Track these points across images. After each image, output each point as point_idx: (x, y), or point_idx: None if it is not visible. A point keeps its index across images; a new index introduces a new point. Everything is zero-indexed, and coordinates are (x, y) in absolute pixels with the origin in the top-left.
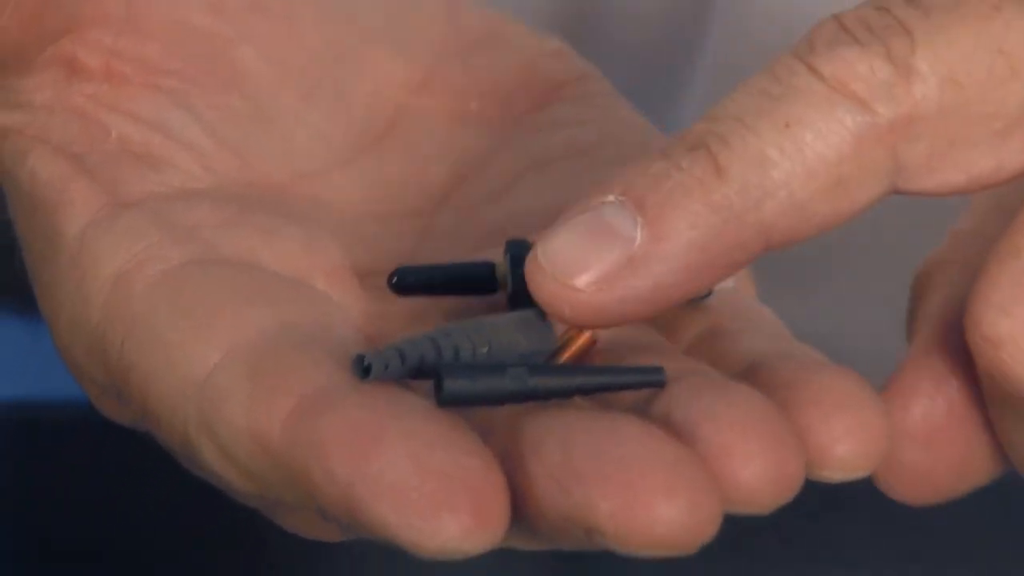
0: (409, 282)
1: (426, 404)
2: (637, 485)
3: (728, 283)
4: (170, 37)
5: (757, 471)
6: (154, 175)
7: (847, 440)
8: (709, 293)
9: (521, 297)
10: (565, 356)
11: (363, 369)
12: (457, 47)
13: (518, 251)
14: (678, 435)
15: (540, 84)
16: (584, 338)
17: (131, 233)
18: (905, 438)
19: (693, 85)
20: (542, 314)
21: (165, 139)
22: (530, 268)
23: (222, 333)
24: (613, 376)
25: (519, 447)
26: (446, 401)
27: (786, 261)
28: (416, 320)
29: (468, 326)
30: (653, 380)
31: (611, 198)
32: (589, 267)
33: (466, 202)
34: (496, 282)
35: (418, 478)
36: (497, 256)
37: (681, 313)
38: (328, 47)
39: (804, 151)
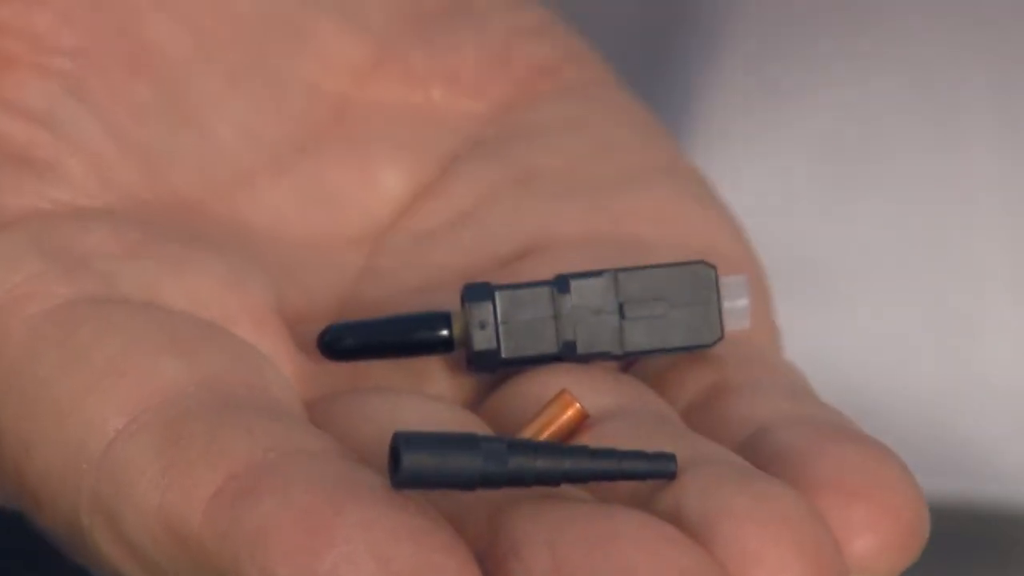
0: (344, 344)
1: (387, 484)
2: None
3: (742, 321)
4: (65, 3)
5: None
6: (38, 186)
7: (870, 533)
8: (719, 338)
9: (484, 357)
10: (548, 433)
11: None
12: (416, 20)
13: (477, 299)
14: (691, 535)
15: (519, 68)
16: (573, 410)
17: (8, 261)
18: None
19: (687, 57)
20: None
21: (54, 139)
22: None
23: (126, 391)
24: (612, 461)
25: (500, 545)
26: (404, 481)
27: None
28: (359, 378)
29: None
30: (661, 470)
31: None
32: None
33: (424, 223)
34: (452, 339)
35: None
36: (455, 298)
37: (682, 363)
38: (261, 17)
39: None
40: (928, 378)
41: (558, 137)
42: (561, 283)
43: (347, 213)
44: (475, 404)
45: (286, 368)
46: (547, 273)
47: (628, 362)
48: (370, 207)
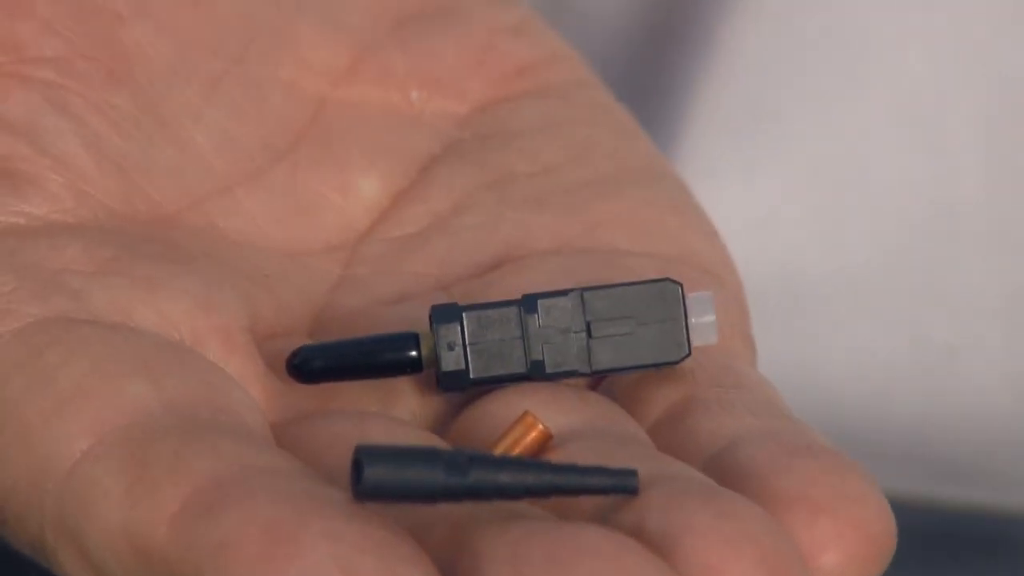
0: (313, 367)
1: (349, 498)
2: None
3: (709, 337)
4: (49, 12)
5: None
6: (13, 200)
7: (836, 547)
8: (686, 355)
9: (453, 378)
10: (512, 454)
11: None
12: (396, 21)
13: (445, 320)
14: (654, 550)
15: (498, 68)
16: (536, 431)
17: None
18: None
19: (676, 80)
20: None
21: (33, 152)
22: None
23: (92, 412)
24: (573, 476)
25: (463, 560)
26: (365, 493)
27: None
28: (328, 398)
29: None
30: (623, 485)
31: None
32: None
33: (400, 229)
34: (421, 360)
35: None
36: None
37: (651, 380)
38: (241, 21)
39: None
40: (911, 401)
41: (536, 140)
42: (528, 303)
43: (324, 220)
44: (445, 424)
45: (254, 389)
46: (520, 286)
47: (596, 380)
48: (347, 213)
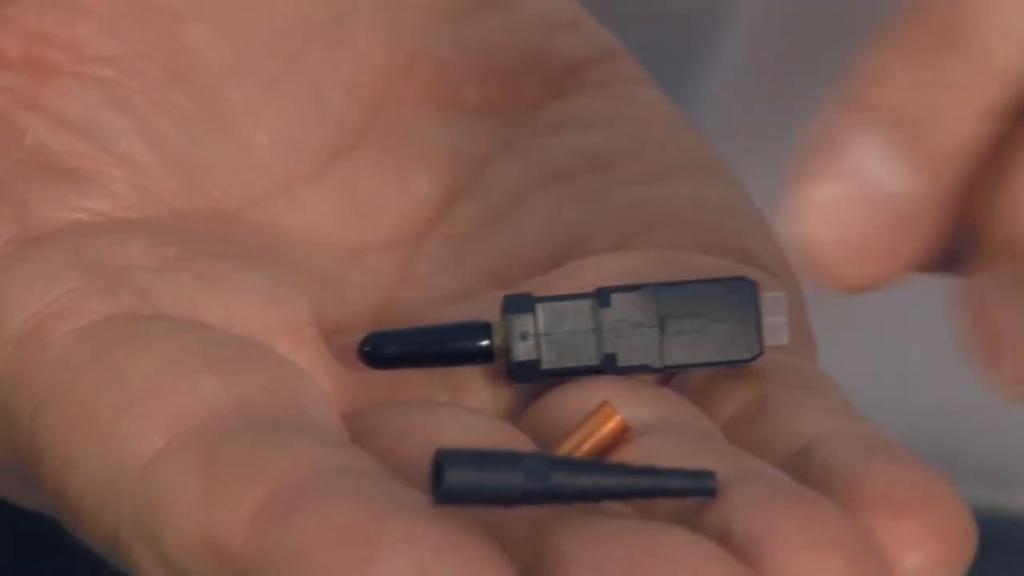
0: (384, 352)
1: (428, 500)
2: None
3: (781, 338)
4: (107, 12)
5: None
6: (77, 197)
7: (920, 549)
8: (758, 353)
9: (526, 368)
10: (589, 444)
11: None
12: (448, 14)
13: (519, 310)
14: (738, 554)
15: (553, 66)
16: (614, 422)
17: (45, 276)
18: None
19: (721, 52)
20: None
21: (94, 149)
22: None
23: (164, 410)
24: (651, 479)
25: (545, 561)
26: (446, 497)
27: None
28: (398, 389)
29: None
30: (701, 487)
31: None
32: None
33: (458, 227)
34: (492, 349)
35: None
36: (496, 307)
37: (722, 378)
38: (299, 21)
39: None
40: (930, 398)
41: (591, 137)
42: (602, 296)
43: (383, 218)
44: (513, 415)
45: (324, 382)
46: (583, 283)
47: (666, 377)
48: (405, 212)
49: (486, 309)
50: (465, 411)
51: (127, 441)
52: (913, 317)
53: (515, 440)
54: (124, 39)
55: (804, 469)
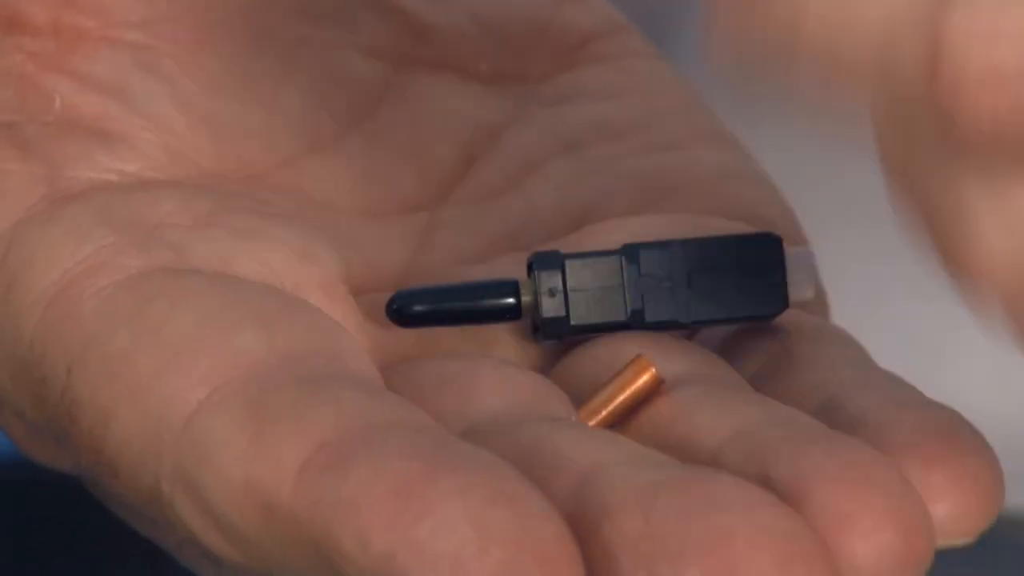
0: (413, 311)
1: (477, 450)
2: (742, 565)
3: (807, 292)
4: None
5: (881, 546)
6: (107, 158)
7: (950, 497)
8: (783, 308)
9: (553, 325)
10: (623, 397)
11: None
12: None
13: (546, 267)
14: (782, 499)
15: (563, 39)
16: (648, 375)
17: (77, 232)
18: None
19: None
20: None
21: (124, 111)
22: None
23: (205, 363)
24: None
25: (591, 508)
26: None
27: None
28: (425, 345)
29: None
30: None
31: None
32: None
33: (477, 192)
34: (520, 305)
35: (478, 545)
36: (517, 268)
37: (746, 333)
38: None
39: None
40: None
41: (603, 108)
42: (629, 252)
43: (402, 184)
44: (542, 372)
45: (356, 337)
46: (607, 243)
47: (691, 332)
48: (424, 178)
49: (509, 270)
50: (501, 363)
51: (169, 393)
52: (874, 328)
53: (552, 393)
54: (152, 4)
55: (832, 420)
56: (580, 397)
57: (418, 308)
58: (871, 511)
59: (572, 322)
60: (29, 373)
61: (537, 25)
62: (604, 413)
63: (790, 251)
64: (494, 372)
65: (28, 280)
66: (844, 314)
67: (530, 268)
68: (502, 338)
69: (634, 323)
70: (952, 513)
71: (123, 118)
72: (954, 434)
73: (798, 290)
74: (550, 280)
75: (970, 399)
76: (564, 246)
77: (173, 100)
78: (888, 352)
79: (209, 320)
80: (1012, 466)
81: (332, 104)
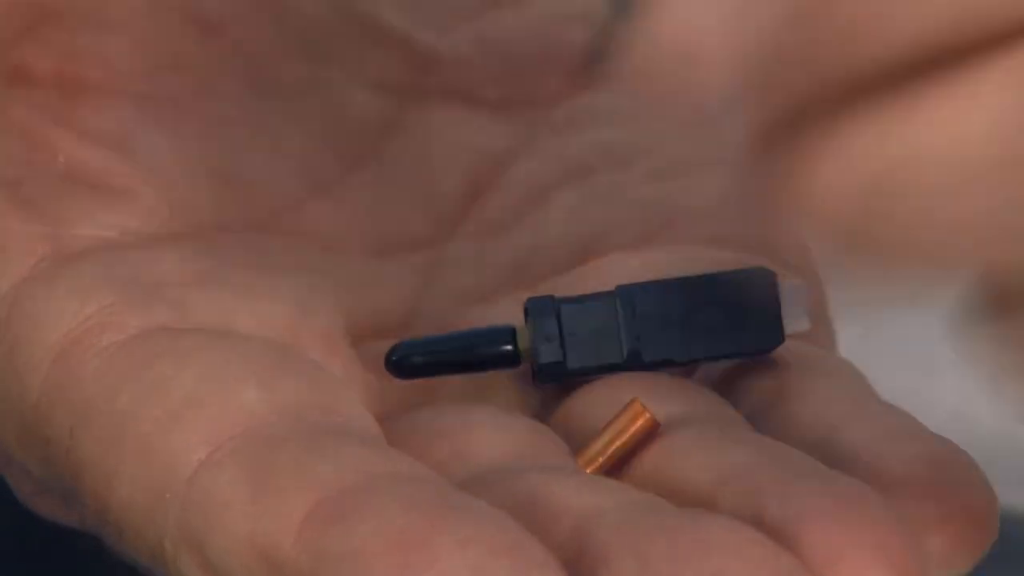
0: (411, 363)
1: (477, 501)
2: None
3: (803, 324)
4: (138, 28)
5: None
6: (109, 215)
7: (942, 530)
8: (779, 342)
9: (551, 370)
10: (619, 443)
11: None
12: (469, 14)
13: (542, 313)
14: (775, 539)
15: (568, 59)
16: (643, 419)
17: (79, 293)
18: None
19: None
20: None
21: (126, 165)
22: None
23: (207, 421)
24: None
25: (588, 555)
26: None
27: None
28: (426, 395)
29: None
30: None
31: None
32: None
33: (483, 226)
34: (518, 353)
35: None
36: (518, 308)
37: (743, 368)
38: (323, 24)
39: None
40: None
41: (608, 133)
42: (624, 293)
43: (408, 220)
44: (542, 414)
45: (356, 387)
46: (605, 281)
47: (689, 370)
48: (430, 212)
49: (514, 313)
50: (498, 411)
51: (171, 453)
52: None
53: (548, 440)
54: (155, 53)
55: (828, 454)
56: (582, 439)
57: (417, 360)
58: (863, 549)
59: (570, 366)
60: (35, 433)
61: (546, 46)
62: (601, 460)
63: (784, 284)
64: (490, 422)
65: (32, 340)
66: (840, 324)
67: (527, 313)
68: (503, 382)
69: (632, 363)
70: (945, 547)
71: (125, 173)
72: (947, 466)
73: (793, 323)
74: (546, 326)
75: (970, 399)
76: (569, 282)
77: (175, 152)
78: (874, 363)
79: (210, 378)
80: (1013, 467)
81: (336, 144)
